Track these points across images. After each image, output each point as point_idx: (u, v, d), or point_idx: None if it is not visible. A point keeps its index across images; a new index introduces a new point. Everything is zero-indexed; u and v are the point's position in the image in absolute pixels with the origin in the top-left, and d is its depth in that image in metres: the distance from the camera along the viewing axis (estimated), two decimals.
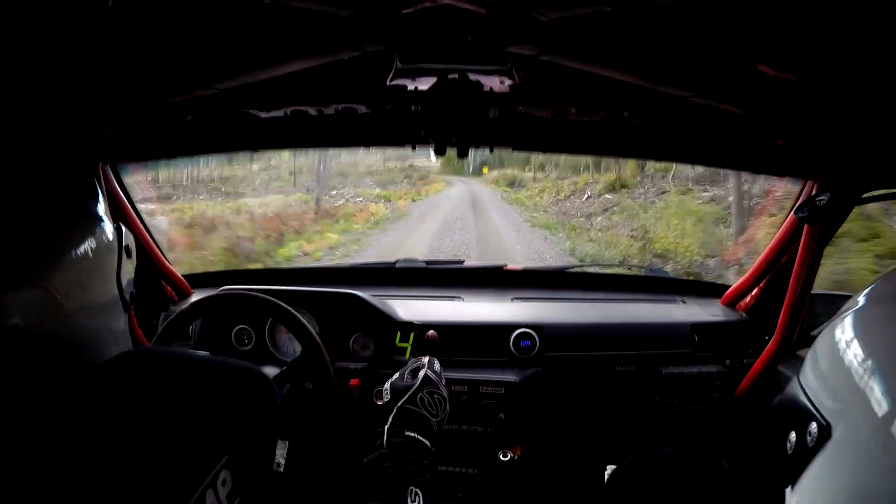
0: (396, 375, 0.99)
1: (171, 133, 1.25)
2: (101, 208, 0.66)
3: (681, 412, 1.44)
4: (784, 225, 1.36)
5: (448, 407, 0.97)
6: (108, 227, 0.67)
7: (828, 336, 0.60)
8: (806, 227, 1.21)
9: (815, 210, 1.14)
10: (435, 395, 0.94)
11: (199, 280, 1.69)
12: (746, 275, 1.53)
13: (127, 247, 0.73)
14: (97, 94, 0.95)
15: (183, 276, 1.61)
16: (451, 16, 0.73)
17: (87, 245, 0.62)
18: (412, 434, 0.87)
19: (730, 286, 1.62)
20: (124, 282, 0.71)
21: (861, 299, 0.60)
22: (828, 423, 0.52)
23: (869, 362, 0.52)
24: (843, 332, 0.58)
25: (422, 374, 0.97)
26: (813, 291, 1.28)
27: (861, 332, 0.56)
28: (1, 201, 0.56)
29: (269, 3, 0.70)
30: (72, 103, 0.93)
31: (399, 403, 0.91)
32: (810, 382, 0.59)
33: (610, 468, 1.03)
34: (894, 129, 0.92)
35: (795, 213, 1.23)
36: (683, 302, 1.66)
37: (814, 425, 0.53)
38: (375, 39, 0.81)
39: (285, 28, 0.81)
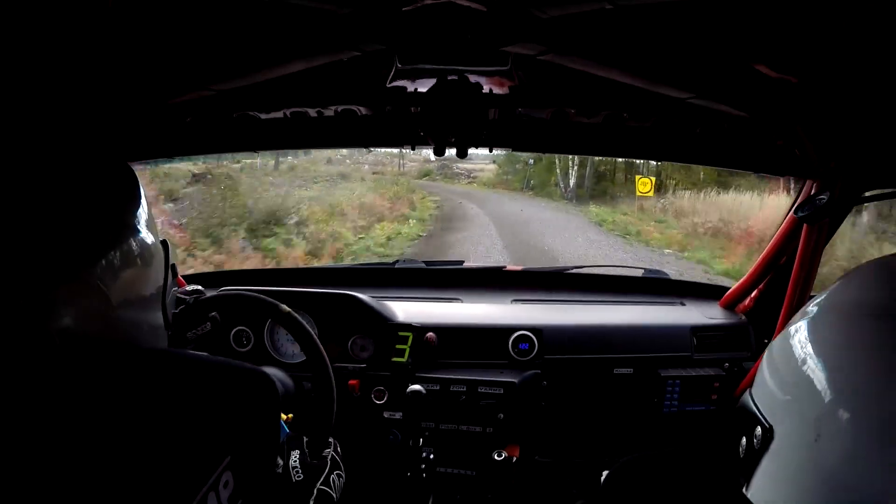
0: (298, 453, 1.00)
1: (172, 134, 1.25)
2: (143, 217, 0.65)
3: (679, 414, 1.44)
4: (783, 225, 1.36)
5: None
6: (152, 239, 0.66)
7: (776, 345, 0.64)
8: (805, 226, 1.21)
9: (814, 209, 1.14)
10: (340, 479, 1.01)
11: (197, 280, 1.68)
12: (745, 276, 1.53)
13: (173, 266, 0.73)
14: (97, 94, 0.95)
15: (182, 276, 1.61)
16: (451, 13, 0.73)
17: (137, 256, 0.61)
18: None
19: (729, 288, 1.62)
20: (168, 302, 0.71)
21: (811, 309, 0.63)
22: (770, 426, 0.56)
23: (805, 368, 0.56)
24: (787, 341, 0.62)
25: (328, 453, 1.02)
26: (812, 293, 1.28)
27: (803, 341, 0.60)
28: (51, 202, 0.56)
29: (269, 1, 0.69)
30: (72, 104, 0.93)
31: (318, 485, 0.95)
32: (758, 389, 0.64)
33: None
34: (893, 129, 0.93)
35: (795, 212, 1.23)
36: (683, 304, 1.66)
37: (758, 430, 0.58)
38: (375, 38, 0.81)
39: (285, 28, 0.80)
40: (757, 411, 0.60)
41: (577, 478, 1.48)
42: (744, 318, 1.54)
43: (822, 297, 0.64)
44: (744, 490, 0.59)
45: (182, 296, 1.07)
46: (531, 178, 14.19)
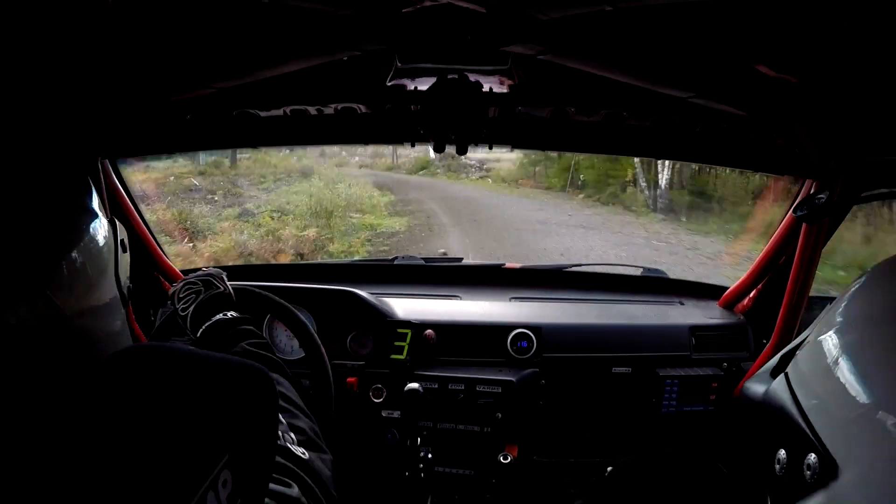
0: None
1: (171, 130, 1.25)
2: (95, 203, 0.65)
3: (677, 414, 1.44)
4: (782, 224, 1.36)
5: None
6: (103, 223, 0.66)
7: (818, 347, 0.55)
8: (804, 226, 1.21)
9: (813, 209, 1.14)
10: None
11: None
12: (744, 276, 1.53)
13: (122, 241, 0.72)
14: (96, 92, 0.94)
15: (181, 270, 1.61)
16: (450, 15, 0.73)
17: (82, 242, 0.61)
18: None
19: (727, 287, 1.62)
20: (122, 277, 0.71)
21: (848, 306, 0.56)
22: (832, 458, 0.46)
23: (876, 397, 0.46)
24: (840, 345, 0.52)
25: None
26: (811, 294, 1.28)
27: (859, 354, 0.51)
28: None
29: (269, 1, 0.69)
30: (70, 100, 0.93)
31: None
32: (807, 398, 0.53)
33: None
34: (892, 129, 0.93)
35: (794, 211, 1.22)
36: (681, 303, 1.66)
37: (813, 457, 0.48)
38: (375, 39, 0.81)
39: (285, 28, 0.80)
40: (807, 428, 0.50)
41: (575, 477, 1.48)
42: (742, 318, 1.54)
43: (846, 302, 0.57)
44: None
45: (200, 281, 1.06)
46: (580, 171, 9.21)
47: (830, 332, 0.55)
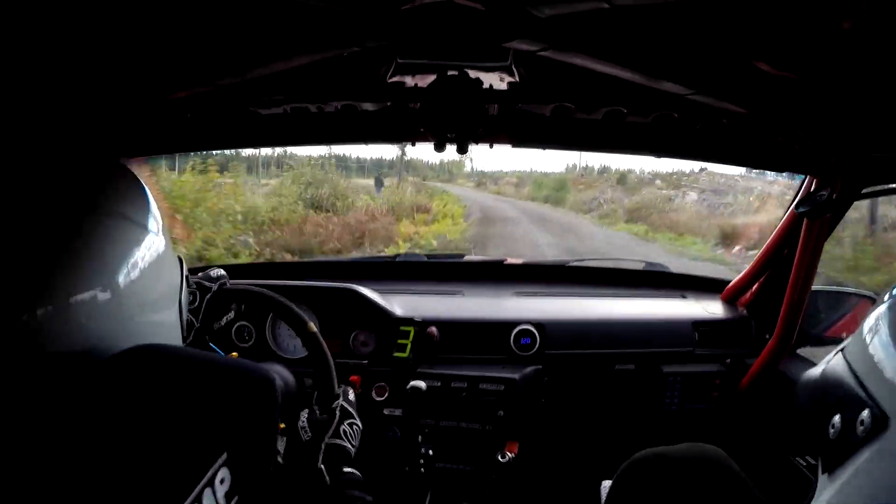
0: (307, 412, 0.98)
1: (171, 129, 1.25)
2: (156, 219, 0.66)
3: (680, 411, 1.44)
4: (784, 220, 1.36)
5: (360, 436, 0.99)
6: (166, 242, 0.66)
7: (889, 314, 0.55)
8: (806, 221, 1.21)
9: (815, 205, 1.14)
10: (353, 426, 0.97)
11: (196, 273, 1.69)
12: (747, 270, 1.53)
13: (187, 277, 0.74)
14: (95, 91, 0.95)
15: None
16: (450, 12, 0.73)
17: (145, 257, 0.61)
18: (349, 470, 0.90)
19: (730, 281, 1.62)
20: (184, 310, 0.72)
21: None
22: (883, 412, 0.48)
23: None
24: (887, 319, 0.54)
25: (337, 404, 0.98)
26: (813, 288, 1.29)
27: None
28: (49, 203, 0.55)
29: None
30: (85, 101, 0.93)
31: (326, 440, 0.92)
32: (863, 364, 0.54)
33: (605, 484, 1.03)
34: (892, 126, 0.92)
35: (796, 207, 1.23)
36: (684, 297, 1.66)
37: (866, 413, 0.49)
38: (374, 35, 0.81)
39: (284, 24, 0.80)
40: (861, 390, 0.52)
41: (576, 477, 1.48)
42: (745, 311, 1.54)
43: None
44: (825, 476, 0.53)
45: (205, 282, 1.04)
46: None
47: (884, 307, 0.56)
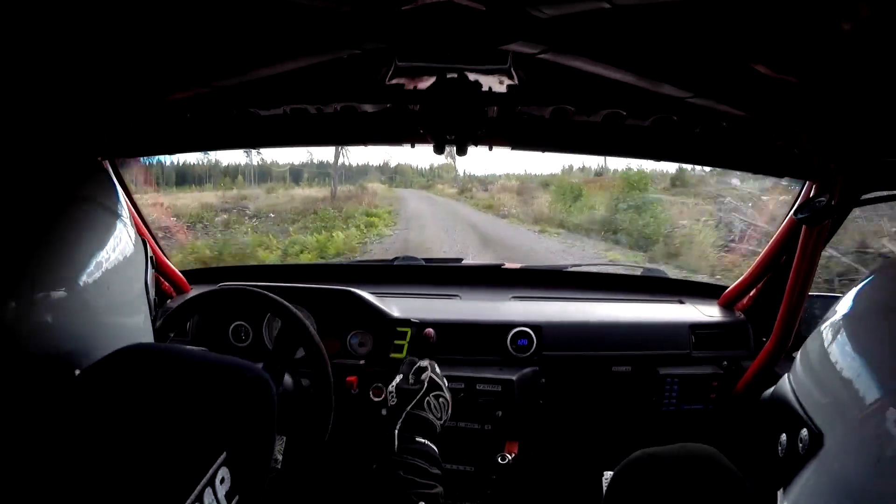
0: (400, 378, 0.99)
1: (170, 129, 1.25)
2: (123, 210, 0.67)
3: (677, 413, 1.44)
4: (783, 226, 1.36)
5: (450, 409, 0.98)
6: (131, 230, 0.68)
7: (818, 338, 0.60)
8: (804, 227, 1.21)
9: (813, 211, 1.14)
10: (440, 399, 0.96)
11: (197, 276, 1.69)
12: (744, 275, 1.53)
13: (151, 258, 0.75)
14: (95, 91, 0.94)
15: (181, 272, 1.61)
16: (450, 13, 0.73)
17: (112, 245, 0.64)
18: (423, 440, 0.89)
19: (727, 287, 1.62)
20: (150, 291, 0.73)
21: (850, 301, 0.60)
22: (819, 430, 0.52)
23: (858, 370, 0.51)
24: (833, 335, 0.58)
25: (426, 376, 0.98)
26: (810, 293, 1.28)
27: (851, 337, 0.56)
28: (16, 199, 0.57)
29: None
30: (70, 100, 0.93)
31: (408, 409, 0.92)
32: (801, 386, 0.59)
33: (607, 474, 1.03)
34: (892, 131, 0.93)
35: (794, 213, 1.23)
36: (681, 302, 1.66)
37: (804, 432, 0.53)
38: (374, 37, 0.81)
39: (284, 25, 0.80)
40: (801, 410, 0.56)
41: (575, 476, 1.48)
42: (742, 316, 1.54)
43: (854, 294, 0.60)
44: (780, 493, 0.56)
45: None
46: None
47: (817, 331, 0.60)
